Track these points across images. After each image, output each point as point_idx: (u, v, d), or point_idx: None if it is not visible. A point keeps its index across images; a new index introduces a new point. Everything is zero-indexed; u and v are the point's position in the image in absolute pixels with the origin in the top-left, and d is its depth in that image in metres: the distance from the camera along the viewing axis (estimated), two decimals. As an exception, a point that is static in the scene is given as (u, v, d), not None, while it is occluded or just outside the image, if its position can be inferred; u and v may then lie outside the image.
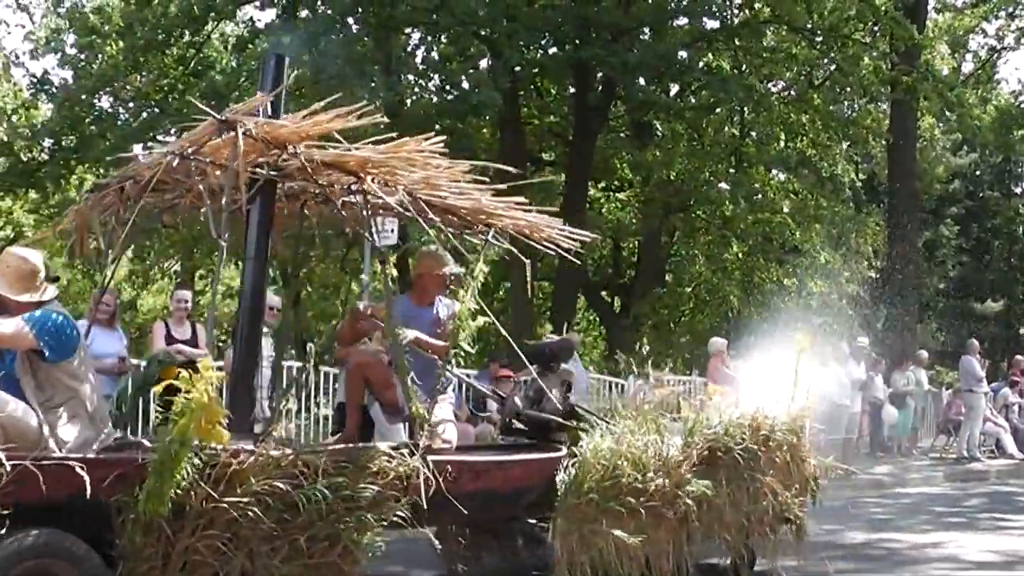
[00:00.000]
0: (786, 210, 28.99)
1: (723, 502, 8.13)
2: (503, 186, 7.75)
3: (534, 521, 8.41)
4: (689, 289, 32.62)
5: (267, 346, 12.57)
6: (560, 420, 8.28)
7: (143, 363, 11.71)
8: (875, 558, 10.88)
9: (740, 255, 29.81)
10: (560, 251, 8.17)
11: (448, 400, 8.25)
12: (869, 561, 10.70)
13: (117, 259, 8.21)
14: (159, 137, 27.97)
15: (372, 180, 6.96)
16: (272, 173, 6.94)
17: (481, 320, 7.76)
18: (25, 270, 6.71)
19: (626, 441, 7.73)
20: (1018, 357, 27.15)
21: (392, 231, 16.59)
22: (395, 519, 6.74)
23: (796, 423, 8.77)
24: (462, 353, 7.78)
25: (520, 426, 8.80)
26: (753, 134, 29.20)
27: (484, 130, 27.92)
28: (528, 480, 7.82)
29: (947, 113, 27.80)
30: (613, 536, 7.44)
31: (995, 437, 23.96)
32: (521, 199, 7.81)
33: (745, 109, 27.50)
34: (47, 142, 27.44)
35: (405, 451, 6.96)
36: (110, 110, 27.33)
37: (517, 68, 22.51)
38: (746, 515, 8.38)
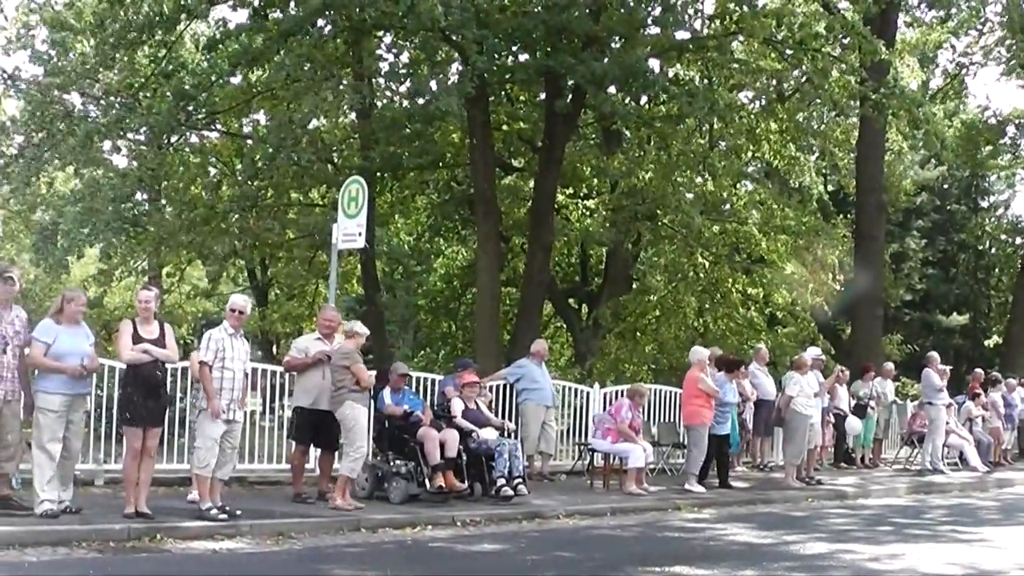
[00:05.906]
0: (753, 220, 29.11)
1: None
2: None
3: None
4: (655, 298, 32.64)
5: (240, 347, 12.54)
6: None
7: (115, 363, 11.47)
8: (833, 569, 10.91)
9: (706, 264, 29.88)
10: None
11: None
12: (827, 572, 10.74)
13: None
14: (129, 135, 27.88)
15: None
16: None
17: None
18: None
19: None
20: (978, 370, 27.33)
21: (360, 235, 16.55)
22: None
23: None
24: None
25: None
26: (722, 144, 29.22)
27: (454, 135, 27.92)
28: None
29: (914, 130, 27.84)
30: None
31: (959, 449, 24.10)
32: None
33: (713, 120, 27.51)
34: (17, 139, 27.30)
35: None
36: (80, 107, 27.19)
37: (486, 74, 22.49)
38: None
